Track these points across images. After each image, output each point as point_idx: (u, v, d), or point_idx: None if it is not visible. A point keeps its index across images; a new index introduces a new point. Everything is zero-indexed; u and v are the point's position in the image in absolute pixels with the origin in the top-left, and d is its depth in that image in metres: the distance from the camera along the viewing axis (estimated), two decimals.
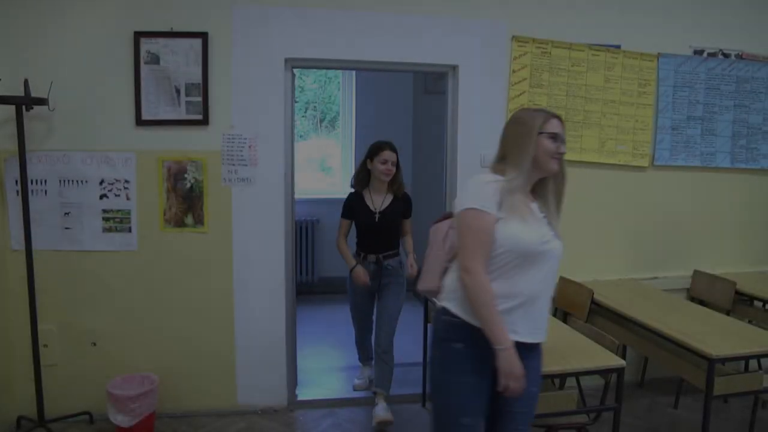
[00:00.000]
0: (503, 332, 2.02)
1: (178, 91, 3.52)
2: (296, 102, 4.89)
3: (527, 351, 2.11)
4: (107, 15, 3.45)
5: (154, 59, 3.49)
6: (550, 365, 2.66)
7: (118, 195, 3.56)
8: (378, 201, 3.77)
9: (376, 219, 3.75)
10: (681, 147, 4.21)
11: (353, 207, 3.81)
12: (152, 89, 3.51)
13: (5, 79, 3.31)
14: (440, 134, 4.07)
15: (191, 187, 3.61)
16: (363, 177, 3.81)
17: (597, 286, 3.87)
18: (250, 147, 3.62)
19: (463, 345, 2.12)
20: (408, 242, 3.93)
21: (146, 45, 3.47)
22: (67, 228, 3.54)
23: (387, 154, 3.68)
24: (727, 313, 3.81)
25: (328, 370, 4.57)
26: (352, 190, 3.88)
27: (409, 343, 5.03)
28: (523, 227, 2.04)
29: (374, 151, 3.72)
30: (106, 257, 3.59)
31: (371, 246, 3.82)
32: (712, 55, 4.18)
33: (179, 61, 3.51)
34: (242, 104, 3.60)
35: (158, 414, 3.61)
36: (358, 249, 3.87)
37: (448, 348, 2.15)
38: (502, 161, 2.18)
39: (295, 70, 3.79)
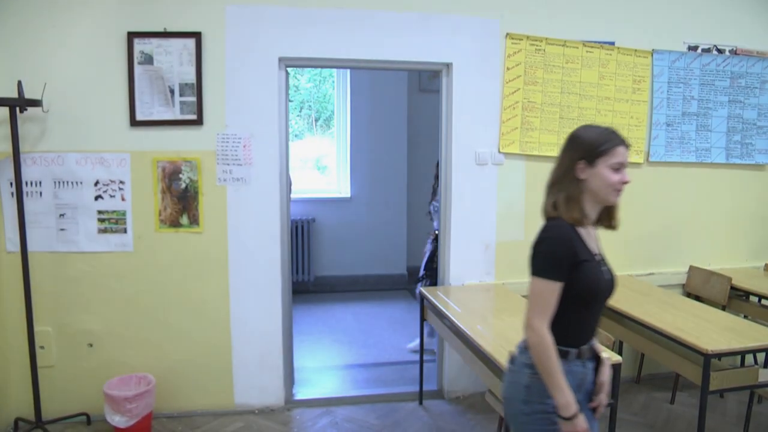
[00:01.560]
0: None
1: (172, 92, 3.52)
2: (291, 101, 4.89)
3: None
4: (100, 16, 3.44)
5: (148, 59, 3.48)
6: None
7: (113, 196, 3.56)
8: (592, 242, 2.05)
9: (608, 275, 2.06)
10: (676, 143, 4.22)
11: (578, 256, 1.94)
12: (146, 90, 3.50)
13: None
14: (435, 132, 4.07)
15: (186, 187, 3.60)
16: (577, 196, 2.00)
17: None
18: (244, 146, 3.62)
19: None
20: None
21: (139, 45, 3.46)
22: (62, 229, 3.54)
23: (622, 153, 2.02)
24: (723, 309, 3.83)
25: (324, 369, 4.57)
26: (553, 220, 2.00)
27: (405, 341, 5.05)
28: None
29: (599, 146, 1.99)
30: (102, 258, 3.59)
31: (592, 329, 2.06)
32: (706, 50, 4.18)
33: (173, 61, 3.50)
34: (236, 104, 3.59)
35: (155, 414, 3.61)
36: (572, 341, 1.99)
37: None
38: None
39: (289, 70, 3.79)
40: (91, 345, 3.63)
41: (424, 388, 4.01)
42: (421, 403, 3.98)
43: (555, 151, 3.97)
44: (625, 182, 2.04)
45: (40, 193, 3.50)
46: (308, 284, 6.55)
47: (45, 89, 3.35)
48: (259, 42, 3.58)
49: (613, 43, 4.02)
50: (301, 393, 4.05)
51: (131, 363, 3.65)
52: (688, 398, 4.04)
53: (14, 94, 3.23)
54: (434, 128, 4.09)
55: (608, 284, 2.04)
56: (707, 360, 2.83)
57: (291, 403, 3.94)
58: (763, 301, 3.88)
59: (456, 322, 3.22)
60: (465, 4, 3.79)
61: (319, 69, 6.97)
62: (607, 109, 4.06)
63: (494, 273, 4.03)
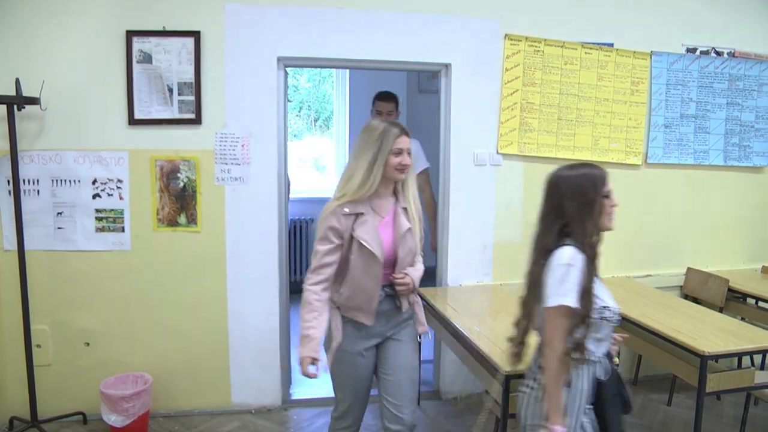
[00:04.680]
0: None
1: (170, 90, 3.52)
2: (290, 101, 4.88)
3: None
4: (99, 14, 3.44)
5: (147, 58, 3.48)
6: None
7: (111, 194, 3.55)
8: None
9: None
10: (674, 145, 4.22)
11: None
12: (145, 88, 3.50)
13: None
14: (434, 133, 4.06)
15: (184, 186, 3.60)
16: None
17: None
18: (242, 146, 3.61)
19: None
20: None
21: (138, 44, 3.46)
22: (59, 228, 3.53)
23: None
24: (720, 311, 3.83)
25: (321, 369, 4.55)
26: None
27: None
28: None
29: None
30: (99, 257, 3.58)
31: None
32: (704, 53, 4.19)
33: (171, 60, 3.50)
34: (235, 103, 3.59)
35: (152, 414, 3.60)
36: None
37: None
38: None
39: (288, 69, 3.79)
40: (87, 344, 3.62)
41: (422, 389, 4.01)
42: (418, 404, 3.98)
43: (553, 153, 4.01)
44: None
45: (38, 192, 3.49)
46: None
47: (43, 87, 3.35)
48: (259, 41, 3.58)
49: (611, 45, 4.02)
50: (298, 393, 4.04)
51: (128, 362, 3.65)
52: (685, 400, 4.04)
53: (12, 92, 3.22)
54: (433, 129, 4.09)
55: None
56: (704, 362, 2.83)
57: (288, 402, 3.93)
58: (760, 303, 3.89)
59: (453, 323, 3.21)
60: (464, 5, 3.79)
61: (319, 69, 6.96)
62: (606, 110, 4.06)
63: (492, 274, 4.03)
